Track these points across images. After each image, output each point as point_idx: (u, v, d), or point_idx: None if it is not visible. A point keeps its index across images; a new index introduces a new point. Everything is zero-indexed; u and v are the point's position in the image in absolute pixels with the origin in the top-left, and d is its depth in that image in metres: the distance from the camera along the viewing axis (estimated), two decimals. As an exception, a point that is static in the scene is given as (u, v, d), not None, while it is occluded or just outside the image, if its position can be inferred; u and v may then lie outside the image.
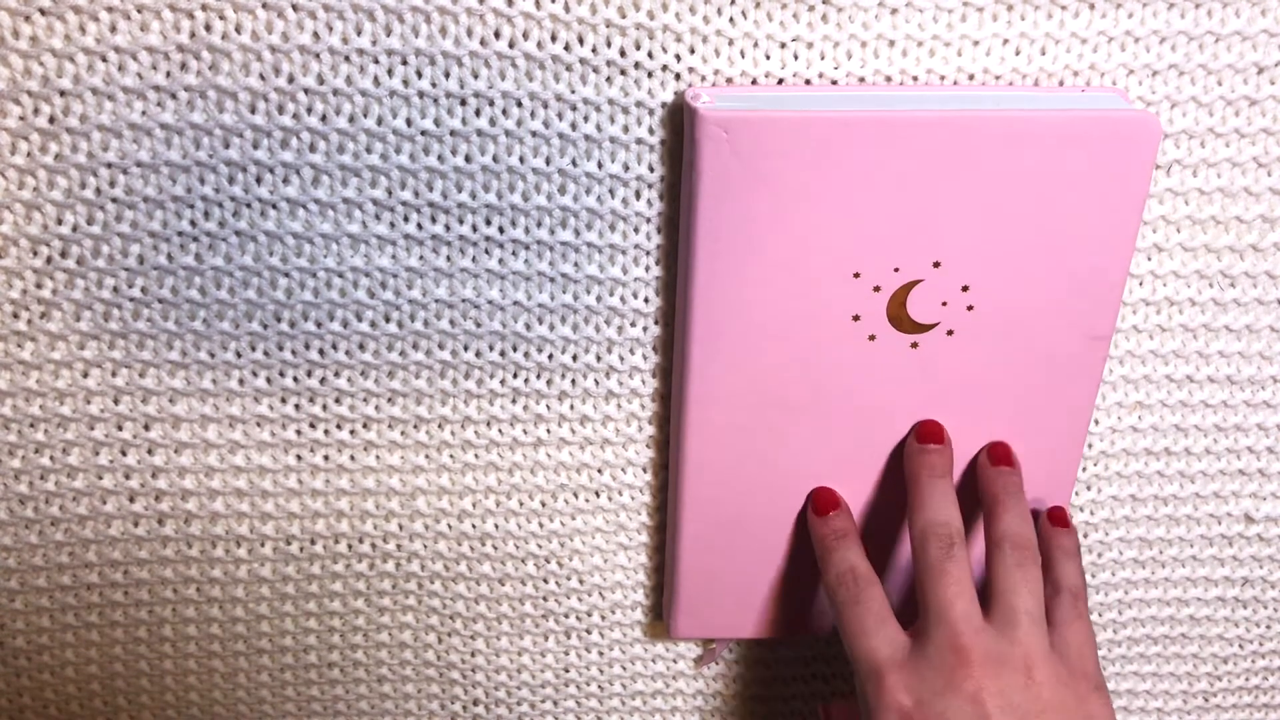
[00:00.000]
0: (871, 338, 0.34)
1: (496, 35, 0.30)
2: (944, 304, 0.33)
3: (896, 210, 0.32)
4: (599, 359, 0.36)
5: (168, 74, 0.30)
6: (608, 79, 0.31)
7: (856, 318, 0.33)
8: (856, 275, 0.32)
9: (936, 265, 0.32)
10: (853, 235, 0.32)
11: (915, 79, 0.32)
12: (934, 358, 0.34)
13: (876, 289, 0.33)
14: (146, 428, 0.36)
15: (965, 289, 0.33)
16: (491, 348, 0.35)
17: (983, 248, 0.32)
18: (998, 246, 0.32)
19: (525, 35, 0.30)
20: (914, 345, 0.34)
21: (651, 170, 0.33)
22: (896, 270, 0.33)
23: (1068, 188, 0.32)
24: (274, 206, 0.32)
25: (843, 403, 0.35)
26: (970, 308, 0.33)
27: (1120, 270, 0.33)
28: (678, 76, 0.31)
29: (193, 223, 0.32)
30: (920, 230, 0.32)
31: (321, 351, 0.35)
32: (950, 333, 0.34)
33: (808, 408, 0.35)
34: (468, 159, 0.32)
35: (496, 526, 0.38)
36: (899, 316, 0.33)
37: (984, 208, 0.32)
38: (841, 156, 0.31)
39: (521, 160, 0.32)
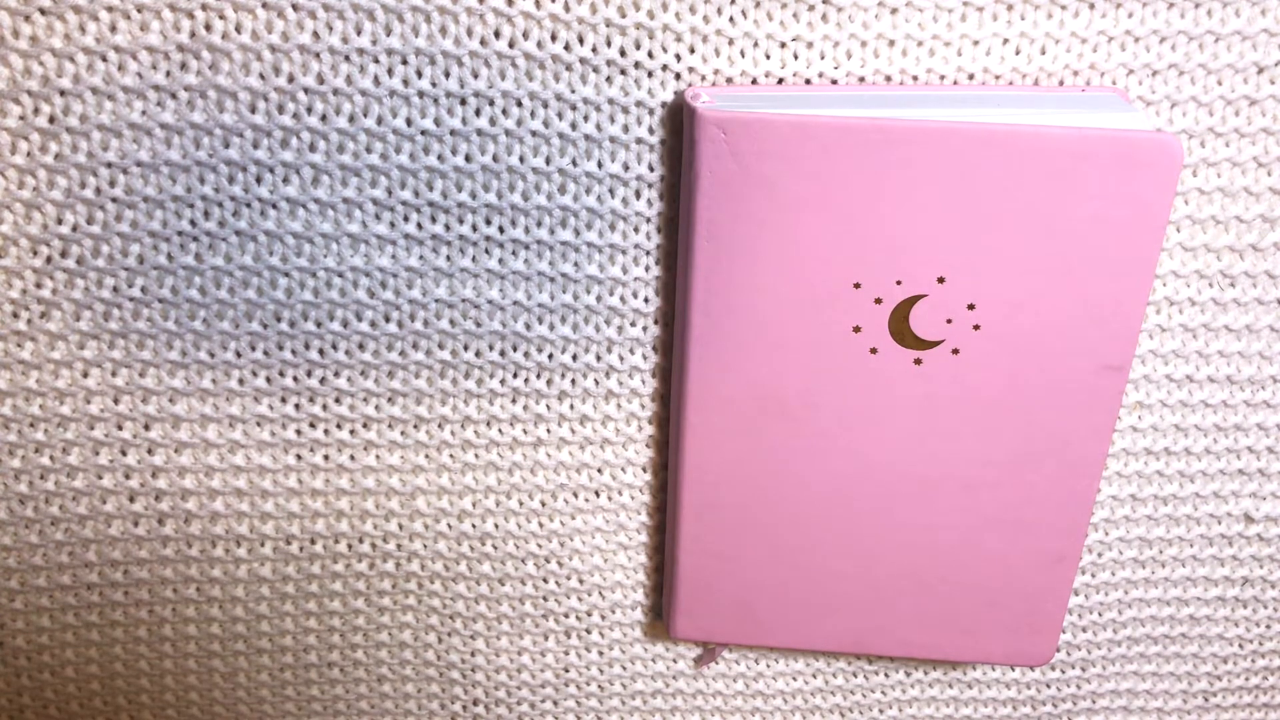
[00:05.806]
0: (873, 350, 0.33)
1: (496, 35, 0.30)
2: (948, 321, 0.33)
3: (897, 222, 0.31)
4: (599, 359, 0.36)
5: (168, 74, 0.30)
6: (608, 79, 0.31)
7: (857, 329, 0.33)
8: (857, 286, 0.32)
9: (941, 281, 0.32)
10: (852, 245, 0.32)
11: (915, 79, 0.32)
12: (938, 376, 0.34)
13: (878, 301, 0.32)
14: (146, 427, 0.36)
15: (971, 307, 0.32)
16: (491, 347, 0.35)
17: (989, 266, 0.32)
18: (1005, 266, 0.32)
19: (525, 35, 0.30)
20: (917, 361, 0.33)
21: (651, 170, 0.33)
22: (899, 283, 0.32)
23: (1081, 211, 0.31)
24: (274, 206, 0.32)
25: (843, 413, 0.34)
26: (976, 327, 0.33)
27: (1138, 300, 0.32)
28: (678, 76, 0.31)
29: (193, 222, 0.32)
30: (923, 244, 0.31)
31: (321, 351, 0.35)
32: (955, 351, 0.33)
33: (807, 415, 0.34)
34: (468, 159, 0.32)
35: (496, 526, 0.38)
36: (901, 331, 0.33)
37: (990, 225, 0.31)
38: (840, 162, 0.30)
39: (521, 160, 0.32)
